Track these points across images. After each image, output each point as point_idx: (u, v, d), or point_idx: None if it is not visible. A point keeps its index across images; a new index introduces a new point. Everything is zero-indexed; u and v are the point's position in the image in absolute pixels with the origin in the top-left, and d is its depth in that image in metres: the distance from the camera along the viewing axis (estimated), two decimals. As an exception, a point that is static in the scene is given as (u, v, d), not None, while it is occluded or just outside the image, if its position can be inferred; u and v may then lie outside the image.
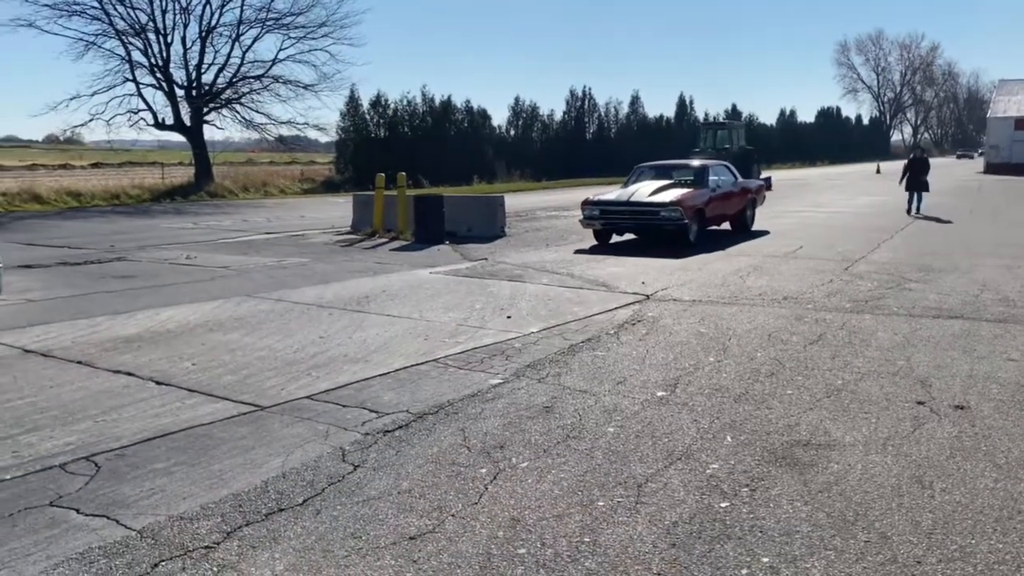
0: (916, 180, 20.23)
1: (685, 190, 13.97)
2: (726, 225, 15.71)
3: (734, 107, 68.90)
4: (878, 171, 48.49)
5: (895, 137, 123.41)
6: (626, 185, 14.97)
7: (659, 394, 5.49)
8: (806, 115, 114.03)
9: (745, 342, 6.95)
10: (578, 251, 13.35)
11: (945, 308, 8.30)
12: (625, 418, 5.00)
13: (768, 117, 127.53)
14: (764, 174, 34.34)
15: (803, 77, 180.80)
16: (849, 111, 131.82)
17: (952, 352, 6.52)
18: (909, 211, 19.73)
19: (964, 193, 28.98)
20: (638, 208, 13.56)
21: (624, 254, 12.79)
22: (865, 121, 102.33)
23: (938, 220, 18.32)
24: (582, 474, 4.14)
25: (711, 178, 14.80)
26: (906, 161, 21.42)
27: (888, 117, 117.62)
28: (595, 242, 14.13)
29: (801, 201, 25.76)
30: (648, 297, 9.13)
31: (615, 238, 14.47)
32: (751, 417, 5.00)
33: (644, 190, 14.00)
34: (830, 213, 21.18)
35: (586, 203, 14.16)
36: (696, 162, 15.69)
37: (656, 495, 3.89)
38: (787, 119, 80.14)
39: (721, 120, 53.08)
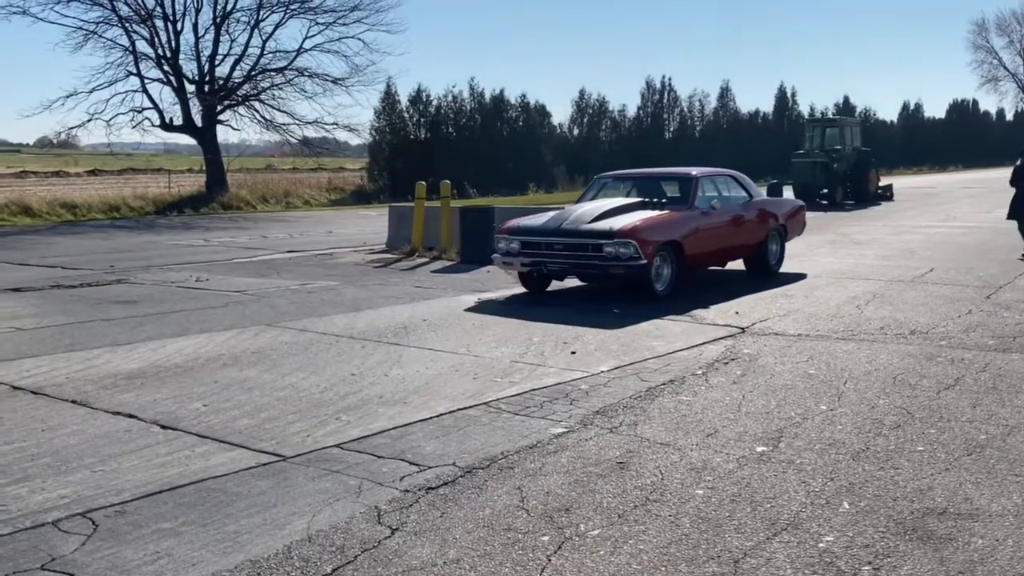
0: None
1: (650, 214, 11.30)
2: (736, 265, 13.24)
3: (846, 100, 67.95)
4: (1026, 177, 47.18)
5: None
6: (578, 203, 12.53)
7: (759, 449, 5.41)
8: (935, 110, 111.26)
9: (864, 386, 6.83)
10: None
11: (1115, 346, 8.03)
12: (717, 478, 4.94)
13: (888, 112, 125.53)
14: (884, 181, 33.96)
15: (931, 64, 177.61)
16: (988, 104, 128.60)
17: (1126, 401, 6.29)
18: None
19: None
20: (573, 241, 10.88)
21: (715, 272, 12.67)
22: (1009, 116, 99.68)
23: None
24: (665, 546, 4.10)
25: (701, 195, 12.02)
26: (1013, 168, 15.95)
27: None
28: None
29: (930, 214, 25.26)
30: (743, 330, 9.03)
31: (555, 284, 11.98)
32: (873, 479, 4.90)
33: (589, 212, 11.29)
34: (966, 228, 20.70)
35: (503, 231, 11.66)
36: (683, 172, 12.94)
37: (757, 573, 3.82)
38: (911, 115, 78.77)
39: (831, 116, 52.48)
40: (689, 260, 11.38)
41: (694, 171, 12.64)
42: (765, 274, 12.97)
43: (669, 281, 11.03)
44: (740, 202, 12.91)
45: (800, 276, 12.89)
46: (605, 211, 11.28)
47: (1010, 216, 15.62)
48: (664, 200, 12.05)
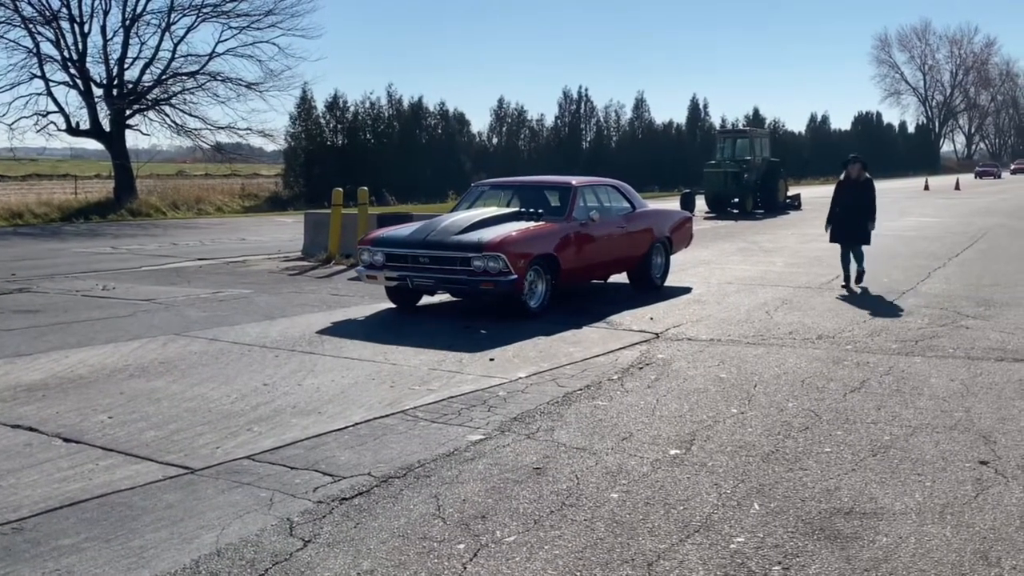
0: (850, 222, 12.84)
1: (524, 225, 10.62)
2: (620, 278, 12.70)
3: (756, 112, 69.73)
4: (927, 187, 49.14)
5: (946, 147, 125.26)
6: (452, 212, 11.95)
7: (672, 452, 5.47)
8: (841, 122, 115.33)
9: (773, 390, 6.97)
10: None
11: (1010, 349, 8.36)
12: (632, 481, 4.97)
13: (796, 124, 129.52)
14: (792, 190, 34.89)
15: (837, 77, 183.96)
16: (891, 117, 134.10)
17: (1020, 402, 6.55)
18: (847, 281, 12.67)
19: (1027, 213, 29.38)
20: (440, 253, 10.16)
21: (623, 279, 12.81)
22: (910, 129, 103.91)
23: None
24: (581, 550, 4.11)
25: (581, 204, 11.40)
26: (836, 184, 13.81)
27: (937, 124, 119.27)
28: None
29: (837, 222, 26.00)
30: (658, 336, 9.15)
31: (426, 299, 11.33)
32: (782, 480, 4.99)
33: (459, 223, 10.62)
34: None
35: (365, 242, 10.97)
36: (563, 181, 12.37)
37: (670, 575, 3.86)
38: (819, 126, 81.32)
39: (741, 127, 53.75)
40: (565, 274, 10.77)
41: (574, 180, 12.09)
42: (649, 288, 12.39)
43: (544, 297, 10.45)
44: (622, 213, 12.34)
45: (695, 287, 13.00)
46: (476, 222, 10.65)
47: (834, 238, 13.14)
48: (540, 211, 11.41)
